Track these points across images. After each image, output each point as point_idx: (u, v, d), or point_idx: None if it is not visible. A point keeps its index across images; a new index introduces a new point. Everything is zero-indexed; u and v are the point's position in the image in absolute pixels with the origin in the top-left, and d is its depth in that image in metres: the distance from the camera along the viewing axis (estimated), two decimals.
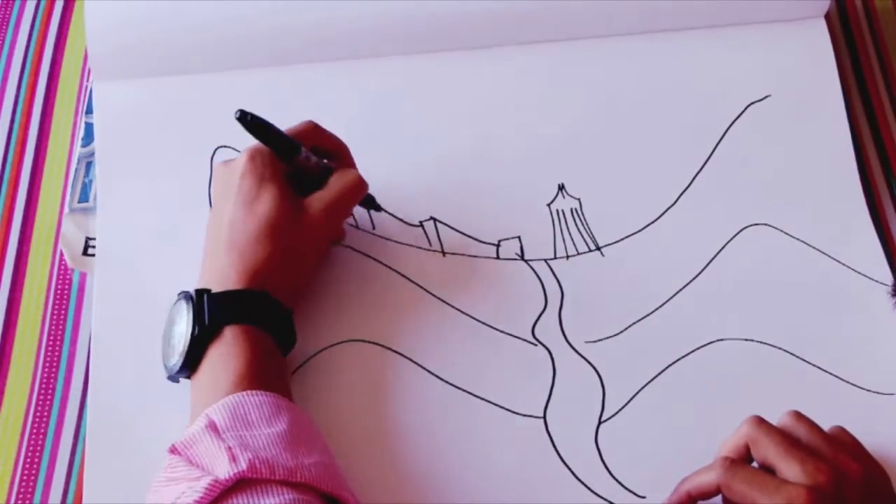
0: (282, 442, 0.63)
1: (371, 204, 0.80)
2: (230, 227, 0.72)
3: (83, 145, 0.84)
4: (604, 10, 0.87)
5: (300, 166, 0.75)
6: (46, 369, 0.76)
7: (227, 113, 0.84)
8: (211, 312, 0.69)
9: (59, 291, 0.79)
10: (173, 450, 0.63)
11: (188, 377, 0.69)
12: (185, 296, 0.70)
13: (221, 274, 0.71)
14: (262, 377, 0.67)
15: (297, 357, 0.75)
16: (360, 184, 0.76)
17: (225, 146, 0.83)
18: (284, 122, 0.81)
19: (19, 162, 0.85)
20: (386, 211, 0.81)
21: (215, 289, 0.70)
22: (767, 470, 0.63)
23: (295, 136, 0.76)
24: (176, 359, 0.69)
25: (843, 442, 0.66)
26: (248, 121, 0.74)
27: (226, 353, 0.68)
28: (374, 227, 0.81)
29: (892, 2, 0.93)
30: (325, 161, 0.77)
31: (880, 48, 0.91)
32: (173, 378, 0.70)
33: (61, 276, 0.80)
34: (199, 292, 0.70)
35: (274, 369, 0.69)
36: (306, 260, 0.75)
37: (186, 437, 0.63)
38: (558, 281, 0.79)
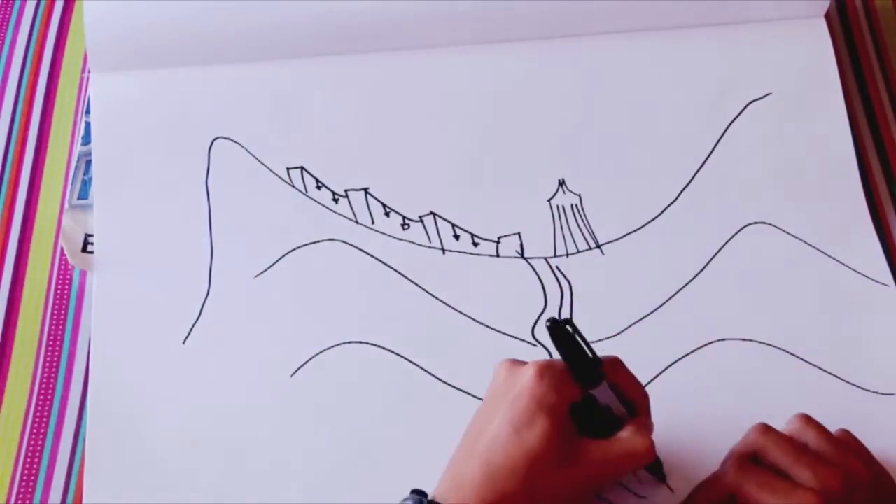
0: None
1: (657, 473, 0.70)
2: (491, 442, 0.63)
3: (83, 144, 0.84)
4: (605, 8, 0.87)
5: (591, 399, 0.65)
6: (46, 369, 0.76)
7: (225, 105, 0.85)
8: None
9: (59, 291, 0.79)
10: None
11: None
12: (415, 500, 0.63)
13: (464, 489, 0.62)
14: None
15: (297, 357, 0.75)
16: (649, 454, 0.65)
17: (222, 137, 0.83)
18: (286, 117, 0.81)
19: (19, 161, 0.85)
20: (668, 486, 0.71)
21: (452, 501, 0.62)
22: (778, 473, 0.63)
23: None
24: None
25: (850, 446, 0.66)
26: (558, 331, 0.63)
27: None
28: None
29: (892, 2, 0.93)
30: (621, 404, 0.67)
31: (880, 48, 0.90)
32: None
33: (61, 276, 0.80)
34: (431, 502, 0.62)
35: None
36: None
37: None
38: (558, 281, 0.79)
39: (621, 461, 0.64)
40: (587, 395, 0.65)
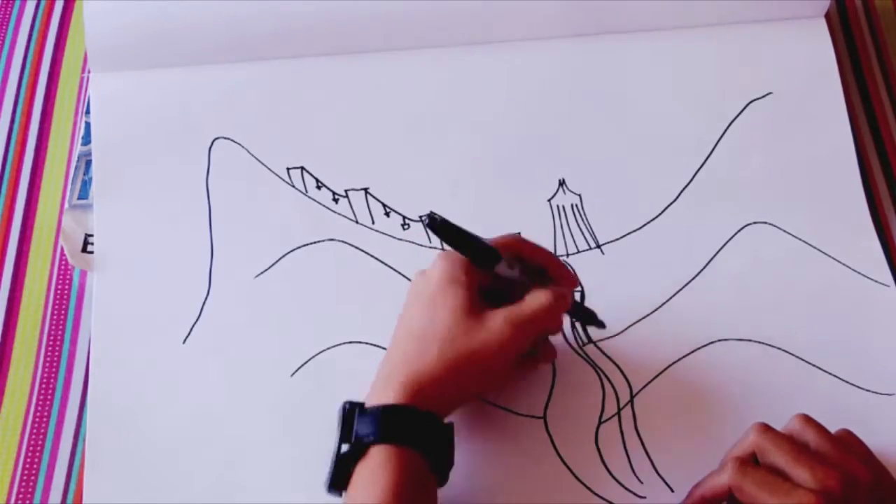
0: None
1: (591, 320, 0.74)
2: (405, 331, 0.68)
3: (83, 144, 0.84)
4: (605, 8, 0.87)
5: (504, 278, 0.69)
6: (46, 369, 0.76)
7: (225, 105, 0.84)
8: (359, 429, 0.64)
9: (59, 291, 0.79)
10: None
11: (339, 495, 0.65)
12: (342, 407, 0.66)
13: (382, 383, 0.66)
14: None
15: (297, 357, 0.75)
16: (554, 308, 0.69)
17: (223, 137, 0.83)
18: (286, 117, 0.81)
19: (19, 162, 0.85)
20: (601, 325, 0.75)
21: (373, 400, 0.65)
22: (777, 473, 0.64)
23: (497, 246, 0.69)
24: (326, 475, 0.64)
25: (850, 446, 0.66)
26: (438, 225, 0.67)
27: (369, 477, 0.63)
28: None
29: (892, 2, 0.93)
30: (530, 275, 0.70)
31: (880, 48, 0.91)
32: (330, 492, 0.65)
33: (61, 276, 0.80)
34: (352, 405, 0.65)
35: (420, 496, 0.64)
36: (475, 376, 0.68)
37: None
38: None
39: (526, 319, 0.67)
40: (496, 276, 0.69)
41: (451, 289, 0.67)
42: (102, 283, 0.78)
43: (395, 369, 0.66)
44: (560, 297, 0.69)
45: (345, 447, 0.65)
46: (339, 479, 0.64)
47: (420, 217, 0.68)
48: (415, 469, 0.64)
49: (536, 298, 0.68)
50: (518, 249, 0.70)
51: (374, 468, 0.63)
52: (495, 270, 0.69)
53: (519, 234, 0.72)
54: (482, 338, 0.66)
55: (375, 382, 0.67)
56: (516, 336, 0.67)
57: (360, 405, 0.65)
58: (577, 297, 0.78)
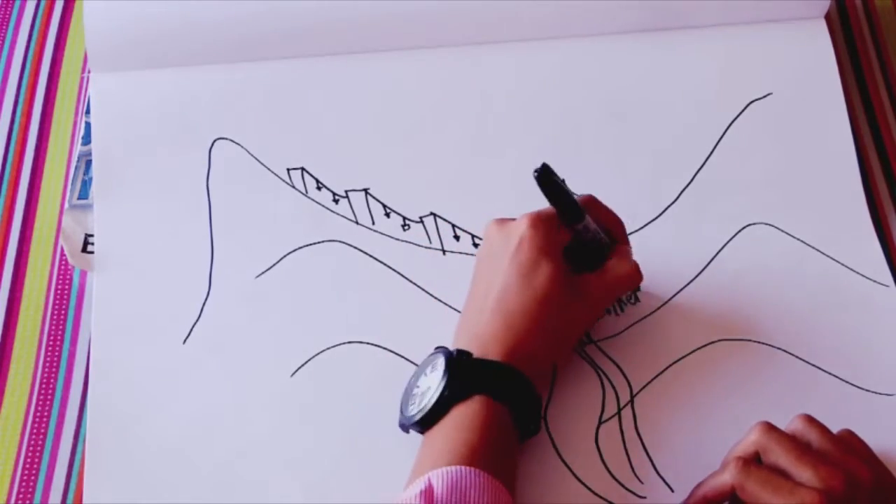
0: None
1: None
2: (503, 293, 0.70)
3: (83, 144, 0.84)
4: (605, 8, 0.87)
5: (578, 237, 0.73)
6: (46, 369, 0.76)
7: (226, 106, 0.84)
8: (467, 377, 0.67)
9: (59, 291, 0.79)
10: None
11: (420, 432, 0.68)
12: (445, 352, 0.69)
13: (484, 340, 0.69)
14: (493, 457, 0.65)
15: (297, 357, 0.75)
16: (637, 276, 0.74)
17: (223, 138, 0.84)
18: (287, 118, 0.81)
19: (19, 162, 0.85)
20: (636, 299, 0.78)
21: (475, 353, 0.68)
22: (780, 472, 0.63)
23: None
24: (416, 411, 0.67)
25: (852, 446, 0.66)
26: (546, 177, 0.70)
27: (467, 422, 0.66)
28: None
29: (892, 2, 0.93)
30: (604, 235, 0.74)
31: (880, 48, 0.91)
32: (404, 427, 0.69)
33: (61, 276, 0.80)
34: (461, 353, 0.68)
35: (507, 452, 0.67)
36: (570, 341, 0.73)
37: (400, 502, 0.61)
38: None
39: (616, 286, 0.73)
40: (575, 232, 0.72)
41: (546, 258, 0.70)
42: (102, 283, 0.78)
43: (500, 331, 0.69)
44: (637, 267, 0.74)
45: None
46: (434, 419, 0.67)
47: (534, 173, 0.70)
48: (506, 425, 0.67)
49: (621, 267, 0.73)
50: (593, 208, 0.74)
51: (472, 414, 0.66)
52: (576, 228, 0.72)
53: (591, 195, 0.74)
54: (581, 306, 0.71)
55: (474, 335, 0.70)
56: (607, 301, 0.74)
57: (468, 354, 0.68)
58: None
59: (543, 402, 0.71)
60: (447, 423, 0.66)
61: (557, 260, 0.70)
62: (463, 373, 0.67)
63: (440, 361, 0.68)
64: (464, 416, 0.66)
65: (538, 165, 0.70)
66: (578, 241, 0.73)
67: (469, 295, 0.73)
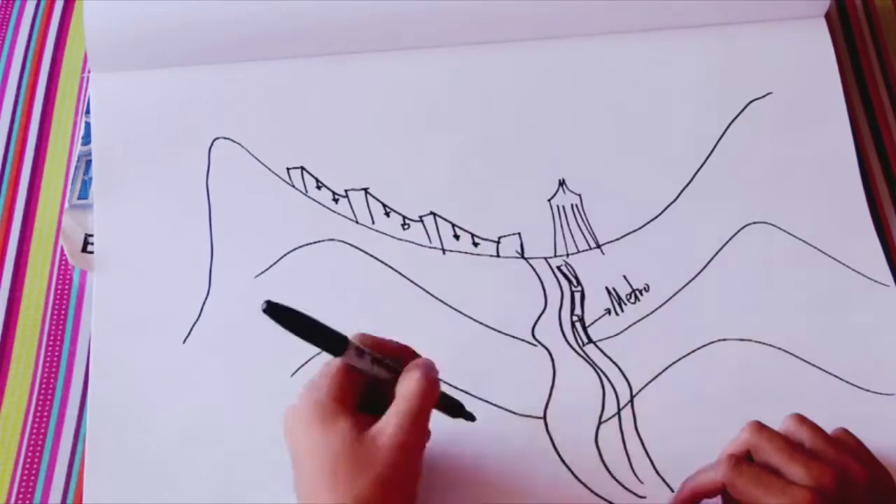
0: None
1: (461, 413, 0.70)
2: (312, 480, 0.63)
3: (83, 144, 0.84)
4: (605, 8, 0.87)
5: (356, 370, 0.65)
6: (46, 369, 0.76)
7: (225, 105, 0.84)
8: None
9: (59, 291, 0.79)
10: None
11: None
12: None
13: None
14: None
15: (297, 358, 0.75)
16: (428, 383, 0.64)
17: (223, 137, 0.83)
18: (286, 117, 0.80)
19: (19, 162, 0.85)
20: (473, 419, 0.70)
21: None
22: (772, 470, 0.63)
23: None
24: None
25: (846, 444, 0.66)
26: (276, 310, 0.61)
27: None
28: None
29: (892, 2, 0.93)
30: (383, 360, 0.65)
31: (880, 48, 0.91)
32: None
33: (61, 276, 0.80)
34: None
35: None
36: (399, 490, 0.63)
37: None
38: (558, 281, 0.79)
39: (412, 406, 0.63)
40: (349, 367, 0.64)
41: (330, 421, 0.62)
42: (102, 283, 0.78)
43: None
44: (426, 372, 0.64)
45: None
46: None
47: (262, 306, 0.61)
48: None
49: (407, 387, 0.63)
50: (369, 343, 0.66)
51: None
52: (347, 361, 0.64)
53: (359, 333, 0.66)
54: (382, 457, 0.62)
55: None
56: (412, 434, 0.63)
57: None
58: (568, 291, 0.78)
59: None
60: None
61: (343, 417, 0.63)
62: None
63: None
64: None
65: (263, 302, 0.61)
66: (365, 374, 0.65)
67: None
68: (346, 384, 0.64)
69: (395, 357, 0.66)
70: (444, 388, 0.67)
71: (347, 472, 0.61)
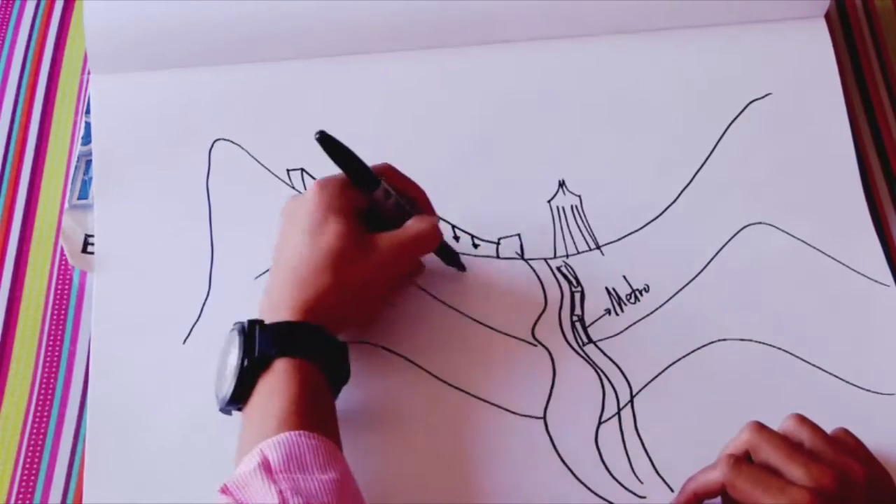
0: (334, 491, 0.61)
1: (454, 261, 0.78)
2: (291, 256, 0.70)
3: (83, 144, 0.84)
4: (605, 9, 0.87)
5: (377, 203, 0.73)
6: (46, 369, 0.76)
7: (226, 107, 0.84)
8: (261, 344, 0.67)
9: (59, 291, 0.79)
10: (224, 490, 0.61)
11: (239, 409, 0.68)
12: (239, 327, 0.68)
13: (277, 305, 0.69)
14: (311, 414, 0.65)
15: None
16: (434, 234, 0.74)
17: (223, 139, 0.84)
18: (286, 119, 0.81)
19: (19, 162, 0.85)
20: (463, 269, 0.79)
21: (269, 320, 0.68)
22: (771, 470, 0.63)
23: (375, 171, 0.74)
24: (226, 390, 0.67)
25: (846, 444, 0.66)
26: (328, 143, 0.71)
27: (274, 387, 0.66)
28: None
29: (892, 2, 0.93)
30: (404, 203, 0.74)
31: (880, 48, 0.91)
32: (224, 410, 0.69)
33: (61, 276, 0.80)
34: (251, 323, 0.68)
35: (323, 406, 0.68)
36: (366, 297, 0.73)
37: (239, 478, 0.61)
38: (558, 281, 0.79)
39: (410, 243, 0.73)
40: (372, 199, 0.72)
41: (334, 215, 0.70)
42: (102, 283, 0.78)
43: (289, 292, 0.69)
44: (436, 226, 0.74)
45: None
46: (243, 393, 0.67)
47: (315, 135, 0.70)
48: (316, 381, 0.67)
49: (418, 225, 0.73)
50: (392, 177, 0.74)
51: (279, 379, 0.66)
52: (373, 195, 0.72)
53: (388, 164, 0.75)
54: (370, 261, 0.71)
55: (268, 303, 0.70)
56: (400, 259, 0.73)
57: (260, 322, 0.68)
58: (568, 292, 0.79)
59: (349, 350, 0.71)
60: (259, 395, 0.66)
61: (346, 217, 0.70)
62: (257, 341, 0.67)
63: (235, 337, 0.68)
64: (272, 383, 0.66)
65: (318, 131, 0.70)
66: (380, 209, 0.73)
67: (270, 267, 0.73)
68: (354, 197, 0.72)
69: (411, 198, 0.74)
70: (441, 386, 0.74)
71: (346, 259, 0.69)
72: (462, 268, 0.78)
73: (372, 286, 0.72)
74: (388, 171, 0.74)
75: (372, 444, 0.72)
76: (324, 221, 0.70)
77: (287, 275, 0.70)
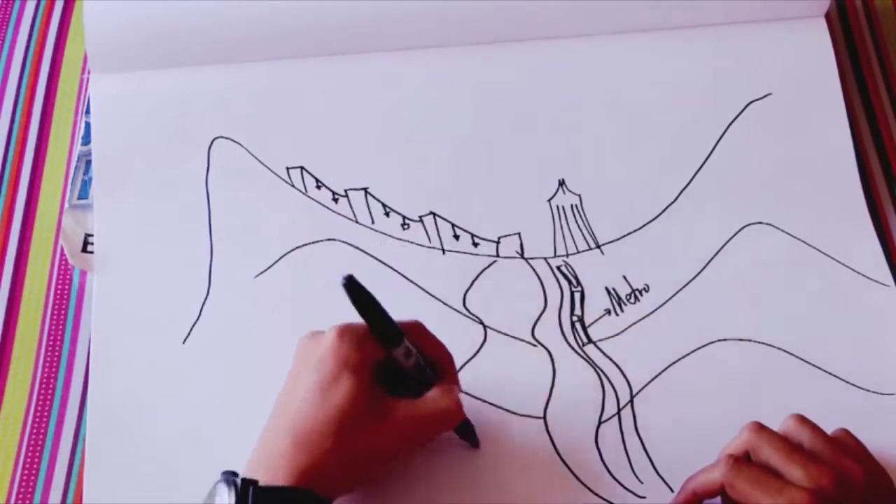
0: None
1: (470, 436, 0.71)
2: (297, 412, 0.64)
3: (83, 144, 0.84)
4: (605, 8, 0.87)
5: (395, 361, 0.66)
6: (46, 369, 0.76)
7: (225, 105, 0.84)
8: None
9: (59, 291, 0.79)
10: None
11: None
12: (228, 480, 0.62)
13: (273, 462, 0.63)
14: None
15: None
16: (457, 413, 0.67)
17: (222, 137, 0.83)
18: (286, 117, 0.80)
19: (19, 162, 0.85)
20: (477, 446, 0.72)
21: (263, 478, 0.62)
22: (771, 471, 0.63)
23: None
24: None
25: (846, 445, 0.66)
26: (354, 289, 0.64)
27: None
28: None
29: (892, 2, 0.93)
30: (426, 366, 0.68)
31: (880, 48, 0.91)
32: None
33: (61, 276, 0.80)
34: (245, 482, 0.61)
35: None
36: (372, 465, 0.67)
37: None
38: (558, 281, 0.79)
39: (430, 419, 0.67)
40: (391, 356, 0.66)
41: (349, 373, 0.64)
42: (102, 283, 0.78)
43: (290, 451, 0.63)
44: (459, 402, 0.68)
45: None
46: None
47: (341, 280, 0.64)
48: None
49: (441, 400, 0.67)
50: (418, 336, 0.68)
51: None
52: (393, 353, 0.66)
53: (418, 321, 0.69)
54: (382, 428, 0.65)
55: (264, 458, 0.65)
56: (416, 432, 0.67)
57: (254, 483, 0.62)
58: (568, 291, 0.78)
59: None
60: None
61: (361, 375, 0.64)
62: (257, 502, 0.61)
63: (225, 492, 0.61)
64: None
65: (344, 275, 0.63)
66: (397, 367, 0.67)
67: (272, 410, 0.67)
68: (373, 350, 0.66)
69: (433, 361, 0.68)
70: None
71: (356, 424, 0.63)
72: (476, 444, 0.72)
73: (381, 455, 0.66)
74: (415, 329, 0.68)
75: None
76: (338, 377, 0.64)
77: (289, 431, 0.64)
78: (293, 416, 0.64)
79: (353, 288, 0.64)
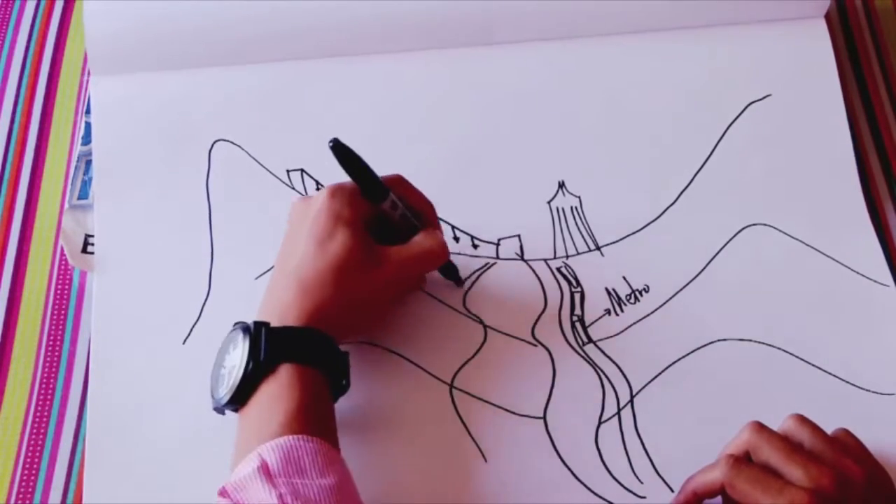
0: (333, 496, 0.61)
1: (453, 275, 0.78)
2: (298, 264, 0.70)
3: (83, 144, 0.84)
4: (604, 9, 0.87)
5: (383, 214, 0.73)
6: (46, 369, 0.76)
7: (225, 107, 0.84)
8: (268, 347, 0.66)
9: (59, 291, 0.79)
10: (223, 492, 0.61)
11: (235, 410, 0.67)
12: (243, 327, 0.68)
13: (283, 309, 0.69)
14: (313, 421, 0.65)
15: None
16: (443, 252, 0.74)
17: (223, 139, 0.84)
18: (286, 119, 0.80)
19: (19, 162, 0.85)
20: (461, 284, 0.79)
21: (275, 323, 0.68)
22: (771, 471, 0.63)
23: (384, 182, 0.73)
24: (224, 391, 0.67)
25: (846, 445, 0.66)
26: (341, 151, 0.70)
27: (278, 392, 0.65)
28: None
29: (892, 2, 0.93)
30: (411, 216, 0.74)
31: (880, 48, 0.91)
32: (219, 410, 0.68)
33: (61, 276, 0.80)
34: (258, 325, 0.67)
35: (324, 414, 0.67)
36: (371, 309, 0.73)
37: (237, 480, 0.61)
38: (558, 282, 0.79)
39: (419, 259, 0.73)
40: (379, 209, 0.72)
41: (343, 225, 0.70)
42: (102, 283, 0.78)
43: (296, 297, 0.69)
44: (444, 243, 0.74)
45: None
46: (244, 395, 0.66)
47: (329, 143, 0.70)
48: (319, 388, 0.67)
49: (426, 241, 0.73)
50: (401, 188, 0.74)
51: (284, 384, 0.66)
52: (381, 206, 0.72)
53: (399, 175, 0.75)
54: (377, 274, 0.71)
55: (273, 306, 0.70)
56: (407, 274, 0.74)
57: (266, 324, 0.67)
58: (568, 292, 0.79)
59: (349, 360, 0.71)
60: (261, 397, 0.66)
61: (355, 228, 0.70)
62: (263, 344, 0.66)
63: (240, 337, 0.67)
64: (275, 387, 0.66)
65: (332, 141, 0.70)
66: (386, 220, 0.73)
67: (274, 269, 0.73)
68: (363, 207, 0.72)
69: (417, 210, 0.74)
70: (441, 386, 0.72)
71: (352, 271, 0.70)
72: (460, 283, 0.78)
73: (377, 299, 0.73)
74: (398, 183, 0.74)
75: (371, 443, 0.72)
76: (333, 231, 0.70)
77: (293, 281, 0.69)
78: (296, 268, 0.70)
79: (340, 149, 0.70)
